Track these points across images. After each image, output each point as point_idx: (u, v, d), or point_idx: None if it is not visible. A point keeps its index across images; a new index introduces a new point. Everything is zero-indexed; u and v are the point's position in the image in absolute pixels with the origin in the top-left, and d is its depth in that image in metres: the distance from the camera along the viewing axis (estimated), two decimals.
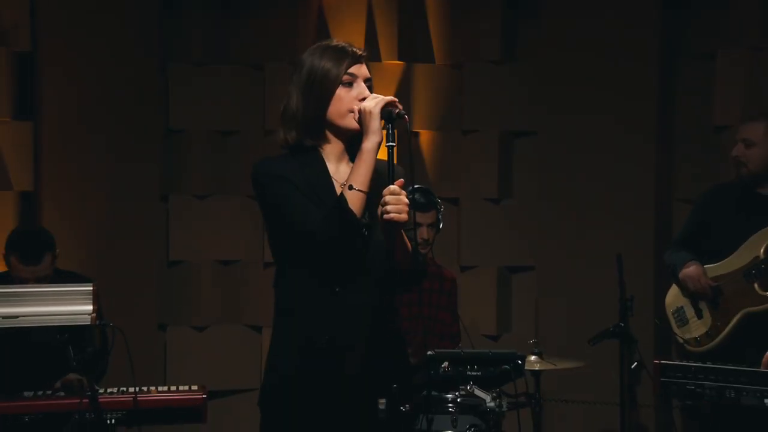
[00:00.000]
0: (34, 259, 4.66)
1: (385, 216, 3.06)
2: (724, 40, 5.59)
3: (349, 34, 3.30)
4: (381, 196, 3.10)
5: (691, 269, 4.86)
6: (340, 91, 3.20)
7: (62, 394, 4.24)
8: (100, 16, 5.95)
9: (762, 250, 4.66)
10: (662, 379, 4.37)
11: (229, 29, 6.16)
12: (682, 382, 4.30)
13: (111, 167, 5.95)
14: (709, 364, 4.26)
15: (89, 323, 3.83)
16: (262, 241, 6.08)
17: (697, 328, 4.87)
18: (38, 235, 4.85)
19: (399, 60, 5.94)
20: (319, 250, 3.12)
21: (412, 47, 6.07)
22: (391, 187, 3.08)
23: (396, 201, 3.07)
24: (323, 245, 3.10)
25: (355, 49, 3.24)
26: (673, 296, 5.00)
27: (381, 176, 3.15)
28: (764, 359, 3.94)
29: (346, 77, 3.20)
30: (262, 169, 3.25)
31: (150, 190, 6.10)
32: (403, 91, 5.85)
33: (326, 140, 3.26)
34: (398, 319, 3.40)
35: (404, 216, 3.08)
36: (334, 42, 3.28)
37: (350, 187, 3.11)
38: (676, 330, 4.97)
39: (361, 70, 3.23)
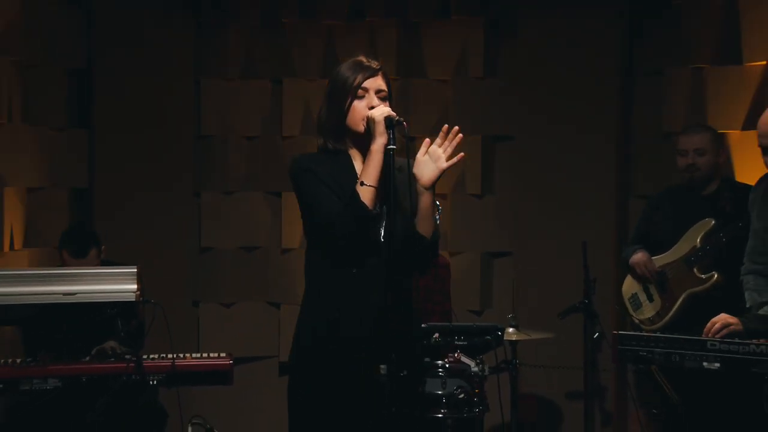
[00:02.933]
0: (82, 253, 4.73)
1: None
2: (671, 61, 5.61)
3: (354, 55, 3.33)
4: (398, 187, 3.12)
5: (638, 255, 4.91)
6: (355, 102, 3.20)
7: (112, 359, 4.32)
8: (143, 38, 6.00)
9: (698, 240, 4.72)
10: (619, 347, 4.36)
11: (252, 49, 6.19)
12: (635, 349, 4.32)
13: (152, 168, 5.99)
14: (658, 334, 4.31)
15: (134, 300, 3.91)
16: (279, 231, 6.14)
17: (649, 310, 4.90)
18: (85, 233, 4.92)
19: (397, 76, 5.95)
20: (338, 238, 3.14)
21: (409, 65, 6.09)
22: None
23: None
24: (340, 234, 3.12)
25: (370, 64, 3.23)
26: (628, 285, 5.03)
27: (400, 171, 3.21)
28: (707, 327, 3.97)
29: (360, 90, 3.20)
30: (296, 163, 3.25)
31: (185, 187, 6.14)
32: (401, 102, 5.83)
33: (350, 144, 3.26)
34: (414, 295, 3.35)
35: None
36: (357, 58, 3.26)
37: (362, 184, 3.13)
38: (632, 313, 4.99)
39: (374, 82, 3.21)
